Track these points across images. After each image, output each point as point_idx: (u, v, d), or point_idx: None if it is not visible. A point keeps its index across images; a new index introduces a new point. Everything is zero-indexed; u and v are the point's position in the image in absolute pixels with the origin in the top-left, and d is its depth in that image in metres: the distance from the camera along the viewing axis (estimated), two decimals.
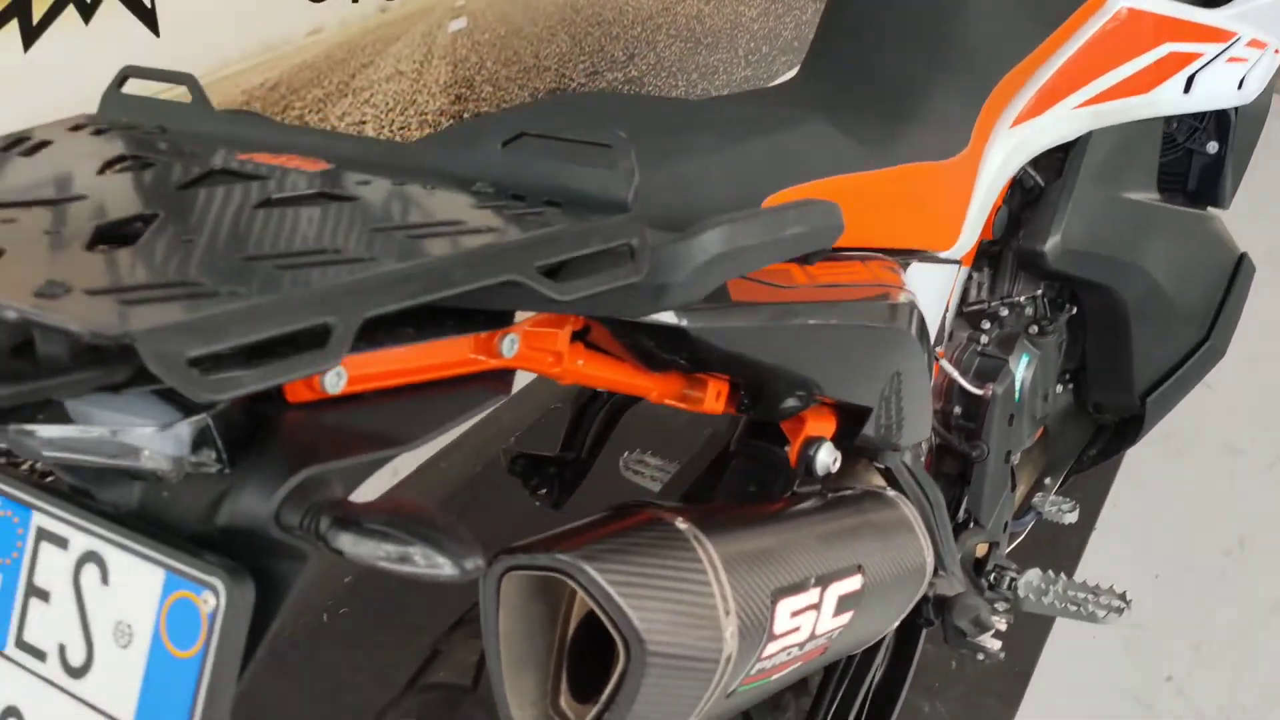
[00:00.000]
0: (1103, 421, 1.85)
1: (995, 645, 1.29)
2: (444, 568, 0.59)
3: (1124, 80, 1.55)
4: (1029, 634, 2.07)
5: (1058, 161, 1.56)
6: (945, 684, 2.04)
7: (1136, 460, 2.44)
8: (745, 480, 1.19)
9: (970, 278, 1.57)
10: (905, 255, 1.20)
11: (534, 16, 2.19)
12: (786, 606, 0.81)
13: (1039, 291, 1.63)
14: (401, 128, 1.99)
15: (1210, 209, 1.88)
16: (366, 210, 0.64)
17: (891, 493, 1.04)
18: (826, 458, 1.02)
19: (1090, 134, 1.55)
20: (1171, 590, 2.24)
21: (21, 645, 0.70)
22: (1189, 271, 1.73)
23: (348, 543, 0.61)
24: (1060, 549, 2.27)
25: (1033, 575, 1.57)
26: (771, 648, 0.80)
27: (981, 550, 1.59)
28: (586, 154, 0.68)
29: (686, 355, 0.86)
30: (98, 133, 0.81)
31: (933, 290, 1.30)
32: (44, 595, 0.69)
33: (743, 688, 0.81)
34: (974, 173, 1.35)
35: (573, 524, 0.76)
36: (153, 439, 0.60)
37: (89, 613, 0.67)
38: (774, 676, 0.85)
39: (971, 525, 1.53)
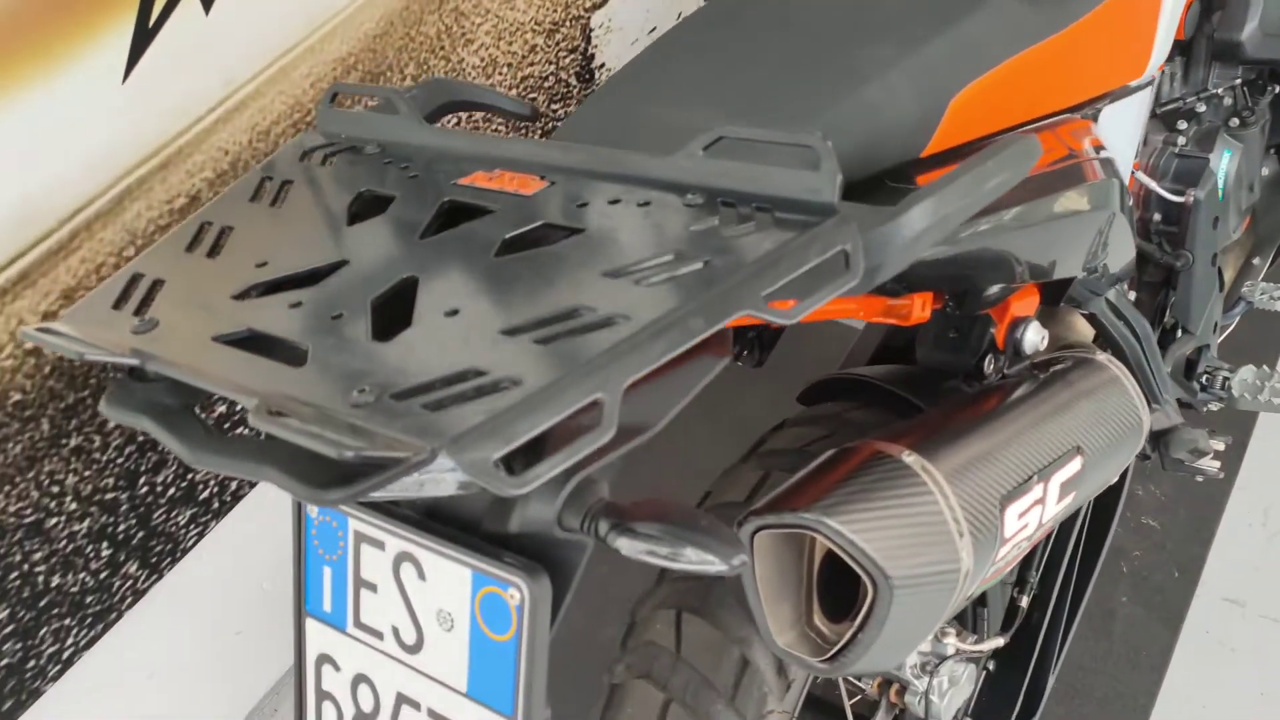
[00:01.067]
0: None
1: (1214, 467, 1.32)
2: (714, 564, 0.67)
3: None
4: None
5: None
6: (1155, 468, 2.07)
7: None
8: (945, 327, 1.23)
9: (1163, 74, 1.49)
10: (1097, 102, 1.17)
11: None
12: (1014, 510, 0.87)
13: (1237, 80, 1.54)
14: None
15: None
16: (594, 245, 0.70)
17: (1100, 355, 1.06)
18: (1034, 337, 1.04)
19: None
20: None
21: (360, 625, 0.83)
22: None
23: (625, 545, 0.70)
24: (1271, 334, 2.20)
25: (1247, 373, 1.56)
26: (1004, 550, 0.87)
27: (1192, 351, 1.58)
28: (788, 151, 0.71)
29: (892, 282, 0.89)
30: (325, 160, 0.88)
31: (1128, 122, 1.26)
32: (372, 586, 0.82)
33: (980, 586, 0.88)
34: None
35: (805, 472, 0.83)
36: (448, 473, 0.69)
37: (412, 602, 0.79)
38: (1008, 570, 0.92)
39: (1180, 334, 1.52)
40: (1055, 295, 1.09)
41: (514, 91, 1.99)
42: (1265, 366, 1.58)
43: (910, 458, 0.82)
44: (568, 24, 2.06)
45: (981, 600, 1.30)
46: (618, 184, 0.76)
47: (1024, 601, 1.32)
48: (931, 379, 1.22)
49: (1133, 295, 1.52)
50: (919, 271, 0.92)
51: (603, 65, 2.18)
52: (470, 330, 0.64)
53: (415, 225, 0.77)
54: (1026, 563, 1.33)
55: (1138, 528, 2.04)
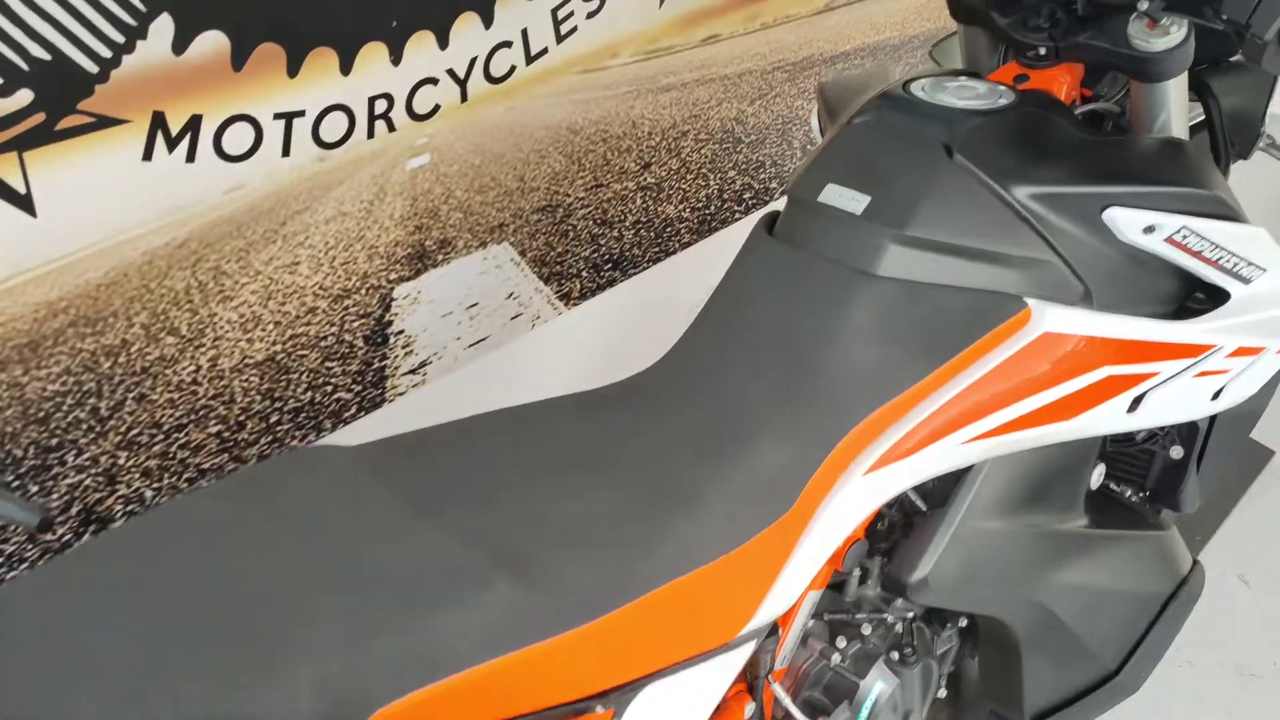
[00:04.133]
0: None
1: None
2: None
3: (1038, 410, 1.35)
4: None
5: (943, 486, 1.38)
6: None
7: None
8: None
9: (851, 575, 1.42)
10: (651, 679, 1.08)
11: (517, 143, 2.09)
12: None
13: (911, 613, 1.47)
14: (345, 262, 1.95)
15: (1167, 512, 1.67)
16: None
17: None
18: None
19: (987, 461, 1.37)
20: None
21: None
22: (1104, 604, 1.54)
23: None
24: None
25: None
26: None
27: None
28: None
29: None
30: None
31: (692, 692, 1.15)
32: None
33: None
34: (794, 539, 1.20)
35: None
36: None
37: None
38: None
39: None
40: None
41: (278, 347, 1.93)
42: None
43: None
44: (362, 292, 2.01)
45: None
46: None
47: None
48: None
49: None
50: None
51: (401, 332, 2.13)
52: None
53: None
54: None
55: None
